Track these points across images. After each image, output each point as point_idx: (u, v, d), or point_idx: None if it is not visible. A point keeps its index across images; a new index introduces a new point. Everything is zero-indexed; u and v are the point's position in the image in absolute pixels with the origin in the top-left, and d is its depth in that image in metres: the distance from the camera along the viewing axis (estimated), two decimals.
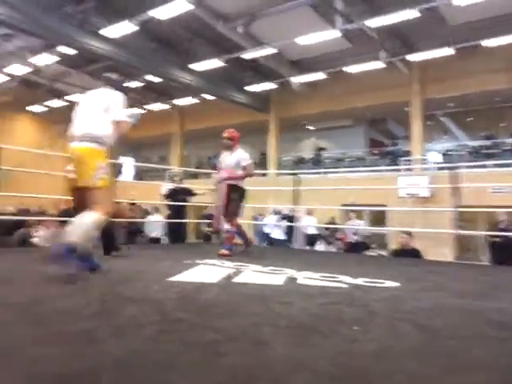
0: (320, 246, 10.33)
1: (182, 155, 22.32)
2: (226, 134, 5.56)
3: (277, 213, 10.85)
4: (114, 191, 3.42)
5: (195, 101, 18.77)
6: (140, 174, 24.24)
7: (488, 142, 15.87)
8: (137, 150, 26.39)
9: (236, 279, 3.38)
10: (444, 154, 16.69)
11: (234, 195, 5.37)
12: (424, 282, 3.76)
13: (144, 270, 3.77)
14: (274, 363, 1.51)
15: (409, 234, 6.78)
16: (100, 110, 3.35)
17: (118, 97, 3.49)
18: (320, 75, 14.76)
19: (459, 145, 18.09)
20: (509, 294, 3.22)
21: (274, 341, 1.76)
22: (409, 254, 6.60)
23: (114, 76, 3.84)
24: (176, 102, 19.33)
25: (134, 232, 10.24)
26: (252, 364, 1.49)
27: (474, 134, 18.19)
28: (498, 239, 6.53)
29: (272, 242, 10.42)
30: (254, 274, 3.72)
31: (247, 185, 5.61)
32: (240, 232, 5.64)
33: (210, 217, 9.38)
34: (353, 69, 13.84)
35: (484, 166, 13.44)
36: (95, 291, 2.71)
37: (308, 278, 3.59)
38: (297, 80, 15.69)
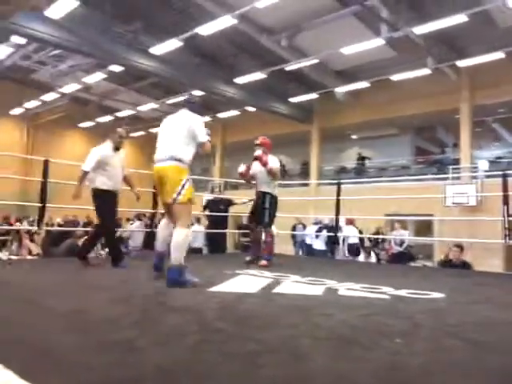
0: (361, 257, 10.13)
1: (224, 167, 22.58)
2: (257, 141, 5.51)
3: (317, 223, 10.74)
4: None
5: (237, 113, 18.99)
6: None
7: None
8: None
9: (275, 290, 3.37)
10: (493, 162, 16.01)
11: (267, 203, 5.31)
12: (472, 294, 3.61)
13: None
14: (314, 375, 1.49)
15: (460, 247, 6.48)
16: (183, 134, 3.56)
17: (199, 120, 3.68)
18: (364, 84, 14.58)
19: (510, 151, 17.31)
20: None
21: (314, 353, 1.74)
22: (458, 266, 6.35)
23: (192, 98, 4.12)
24: (219, 114, 19.64)
25: None
26: (291, 376, 1.48)
27: None
28: None
29: (313, 252, 10.31)
30: (293, 285, 3.69)
31: (290, 195, 5.60)
32: (265, 242, 5.44)
33: (247, 227, 9.44)
34: (398, 77, 13.60)
35: None
36: (138, 301, 2.77)
37: (349, 288, 3.53)
38: (341, 90, 15.58)
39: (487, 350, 1.89)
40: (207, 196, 8.22)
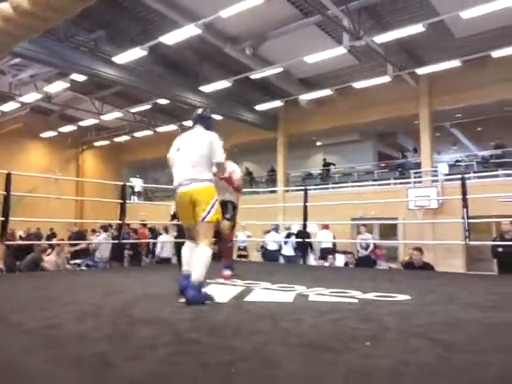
0: (337, 261, 10.28)
1: None
2: None
3: (286, 229, 10.84)
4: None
5: None
6: (148, 195, 24.45)
7: (497, 151, 15.78)
8: (145, 172, 26.66)
9: (247, 298, 3.39)
10: (452, 165, 16.61)
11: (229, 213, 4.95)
12: (436, 294, 3.73)
13: (155, 292, 3.79)
14: (287, 381, 1.52)
15: (419, 249, 6.68)
16: (204, 154, 3.47)
17: (216, 138, 3.58)
18: (327, 92, 14.86)
19: (468, 155, 18.01)
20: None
21: (286, 359, 1.77)
22: (420, 267, 6.56)
23: (206, 113, 3.86)
24: (185, 122, 19.54)
25: (138, 253, 10.32)
26: (264, 383, 1.50)
27: (484, 144, 18.10)
28: (501, 249, 6.48)
29: (275, 258, 10.38)
30: (264, 292, 3.72)
31: (258, 202, 5.58)
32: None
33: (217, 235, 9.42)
34: (360, 84, 13.93)
35: (494, 176, 13.35)
36: (108, 314, 2.73)
37: (318, 294, 3.59)
38: (305, 97, 15.82)
39: (454, 349, 1.96)
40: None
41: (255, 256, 11.82)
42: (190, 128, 3.78)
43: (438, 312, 2.86)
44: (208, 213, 3.33)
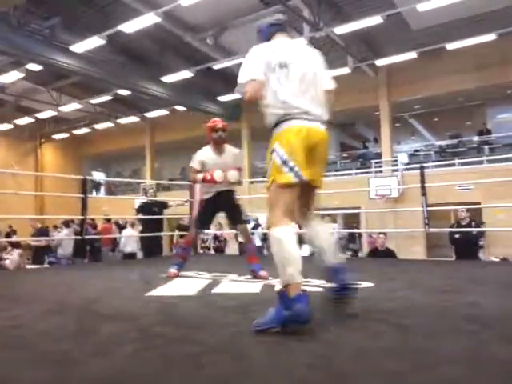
0: (303, 251, 10.39)
1: (154, 168, 22.17)
2: (220, 125, 4.35)
3: (254, 220, 10.89)
4: None
5: (166, 113, 18.69)
6: (111, 189, 23.98)
7: (454, 141, 16.36)
8: (107, 165, 26.10)
9: (214, 290, 3.39)
10: (411, 155, 17.10)
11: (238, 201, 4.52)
12: (398, 281, 3.86)
13: (120, 287, 3.74)
14: (254, 372, 1.54)
15: (384, 234, 7.06)
16: (322, 80, 2.46)
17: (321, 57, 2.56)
18: None
19: (426, 145, 18.58)
20: (478, 288, 3.34)
21: (254, 350, 1.80)
22: (383, 254, 6.77)
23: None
24: (147, 114, 19.21)
25: (98, 249, 10.14)
26: (232, 374, 1.52)
27: (441, 134, 18.71)
28: (458, 235, 6.80)
29: (245, 250, 10.41)
30: (231, 284, 3.74)
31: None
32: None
33: (186, 228, 9.37)
34: None
35: (450, 165, 13.85)
36: (72, 311, 2.68)
37: None
38: None
39: (416, 332, 2.04)
40: (140, 199, 8.02)
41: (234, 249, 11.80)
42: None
43: (400, 298, 2.96)
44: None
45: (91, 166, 25.37)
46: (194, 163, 4.39)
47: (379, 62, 13.55)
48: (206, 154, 4.39)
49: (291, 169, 2.20)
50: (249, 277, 4.11)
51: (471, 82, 13.84)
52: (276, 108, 2.33)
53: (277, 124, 2.33)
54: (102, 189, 24.02)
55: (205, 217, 4.45)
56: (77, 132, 21.47)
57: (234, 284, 3.75)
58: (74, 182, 13.71)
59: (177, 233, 10.23)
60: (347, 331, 2.09)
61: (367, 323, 2.24)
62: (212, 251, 10.13)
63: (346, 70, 13.67)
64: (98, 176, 25.35)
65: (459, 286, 3.45)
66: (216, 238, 10.52)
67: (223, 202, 4.37)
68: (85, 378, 1.50)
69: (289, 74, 2.30)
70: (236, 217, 4.40)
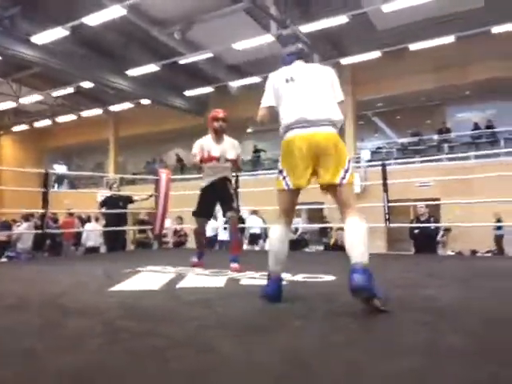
0: (267, 245, 10.48)
1: (118, 162, 21.77)
2: (221, 115, 4.51)
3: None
4: None
5: (130, 106, 18.38)
6: (73, 182, 23.39)
7: (415, 139, 16.84)
8: (69, 158, 25.44)
9: (179, 284, 3.40)
10: (374, 152, 17.50)
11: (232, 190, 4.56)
12: None
13: (83, 281, 3.69)
14: (222, 364, 1.57)
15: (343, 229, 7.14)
16: (329, 90, 2.71)
17: (334, 73, 2.86)
18: (256, 79, 14.97)
19: (388, 142, 19.04)
20: (435, 281, 3.49)
21: (219, 343, 1.82)
22: (344, 248, 6.93)
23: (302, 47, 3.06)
24: (111, 107, 18.81)
25: (59, 243, 9.93)
26: (198, 368, 1.54)
27: (403, 132, 19.22)
28: (417, 230, 7.05)
29: (214, 243, 10.42)
30: (196, 278, 3.76)
31: (189, 189, 5.50)
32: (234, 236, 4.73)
33: (145, 223, 9.30)
34: None
35: (411, 162, 14.27)
36: (34, 305, 2.64)
37: (250, 277, 3.69)
38: (234, 84, 15.84)
39: (372, 324, 2.14)
40: (103, 192, 7.89)
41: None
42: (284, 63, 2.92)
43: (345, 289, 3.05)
44: (346, 172, 2.55)
45: (52, 159, 24.67)
46: (195, 148, 4.53)
47: (344, 61, 13.78)
48: (205, 141, 4.53)
49: (284, 178, 2.63)
50: (214, 270, 4.14)
51: (431, 82, 14.30)
52: (281, 123, 2.70)
53: (282, 137, 2.70)
54: (65, 182, 23.39)
55: (203, 206, 4.50)
56: (38, 125, 20.82)
57: (198, 278, 3.77)
58: (34, 176, 13.32)
59: (136, 227, 10.11)
60: (312, 324, 2.15)
61: (331, 316, 2.31)
62: (171, 245, 10.02)
63: None
64: (60, 169, 24.67)
65: (417, 280, 3.60)
66: (176, 232, 10.43)
67: (219, 190, 4.43)
68: (51, 374, 1.49)
69: (294, 87, 2.67)
70: (227, 204, 4.44)
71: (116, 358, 1.65)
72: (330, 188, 2.60)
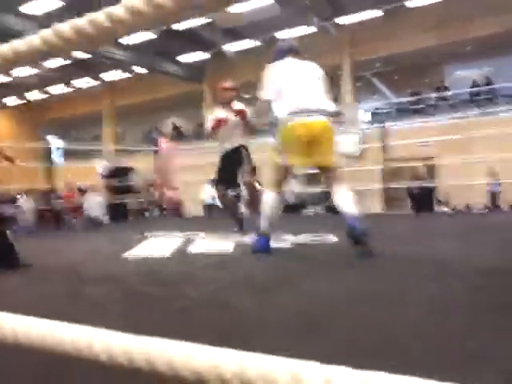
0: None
1: (115, 132, 21.61)
2: (228, 85, 4.64)
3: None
4: None
5: (126, 75, 18.12)
6: (71, 155, 23.27)
7: (413, 98, 16.69)
8: (65, 131, 25.20)
9: (189, 249, 3.51)
10: (373, 113, 17.37)
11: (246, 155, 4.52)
12: None
13: (97, 250, 3.80)
14: (240, 322, 1.66)
15: None
16: (321, 84, 3.12)
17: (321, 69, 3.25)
18: (253, 42, 14.75)
19: (387, 103, 18.86)
20: (437, 238, 3.61)
21: (237, 302, 1.92)
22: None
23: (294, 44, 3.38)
24: (105, 77, 18.54)
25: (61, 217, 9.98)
26: (221, 325, 1.63)
27: (401, 92, 19.01)
28: (416, 190, 7.14)
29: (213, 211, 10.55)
30: (205, 243, 3.86)
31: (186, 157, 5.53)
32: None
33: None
34: (284, 34, 14.00)
35: (411, 122, 14.20)
36: (56, 276, 2.74)
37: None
38: (230, 48, 15.59)
39: (378, 278, 2.25)
40: (104, 164, 7.92)
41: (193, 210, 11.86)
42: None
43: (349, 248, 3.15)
44: (335, 156, 3.08)
45: (48, 132, 24.47)
46: (208, 123, 4.53)
47: (342, 21, 13.53)
48: (216, 113, 4.55)
49: (282, 155, 2.98)
50: (220, 235, 4.23)
51: (431, 40, 14.06)
52: (280, 112, 3.02)
53: (279, 121, 3.02)
54: (62, 155, 23.26)
55: (225, 174, 4.46)
56: (32, 97, 20.56)
57: (207, 243, 3.87)
58: (27, 151, 13.28)
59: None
60: (321, 281, 2.26)
61: (338, 272, 2.42)
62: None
63: (309, 30, 13.60)
64: (55, 143, 24.50)
65: (420, 237, 3.72)
66: (170, 200, 10.42)
67: (237, 157, 4.42)
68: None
69: (293, 80, 3.03)
70: (242, 169, 4.41)
71: (149, 321, 1.71)
72: (323, 168, 3.07)
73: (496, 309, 1.64)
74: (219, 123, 4.38)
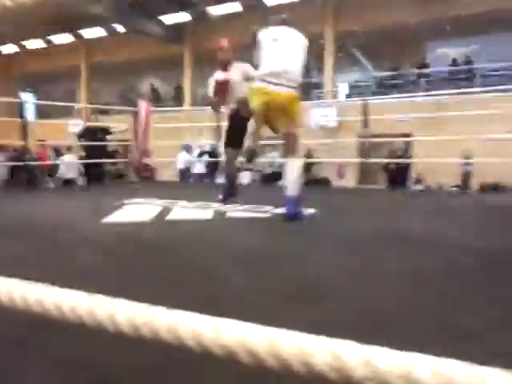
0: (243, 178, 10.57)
1: (90, 90, 20.98)
2: (221, 45, 4.38)
3: (200, 147, 10.88)
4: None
5: (103, 33, 17.48)
6: (44, 111, 22.54)
7: (392, 73, 16.72)
8: (37, 86, 24.29)
9: (168, 217, 3.52)
10: (352, 86, 17.35)
11: None
12: (339, 208, 4.19)
13: (74, 214, 3.78)
14: (230, 287, 1.73)
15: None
16: (300, 55, 3.31)
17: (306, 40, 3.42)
18: (236, 6, 14.42)
19: (368, 76, 18.85)
20: (408, 214, 3.75)
21: (224, 269, 1.98)
22: (319, 182, 7.21)
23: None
24: (82, 33, 17.84)
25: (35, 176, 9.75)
26: (209, 293, 1.67)
27: (383, 67, 19.00)
28: (393, 165, 7.28)
29: (191, 177, 10.52)
30: (183, 211, 3.88)
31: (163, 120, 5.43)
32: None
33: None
34: (268, 1, 13.71)
35: (389, 97, 14.28)
36: (33, 238, 2.72)
37: (235, 210, 3.83)
38: (213, 11, 15.19)
39: (357, 254, 2.34)
40: (77, 122, 7.71)
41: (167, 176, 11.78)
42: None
43: (343, 222, 3.27)
44: (298, 125, 3.45)
45: (18, 86, 23.52)
46: (209, 88, 4.40)
47: None
48: (215, 75, 4.42)
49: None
50: (198, 203, 4.24)
51: (416, 15, 14.02)
52: (259, 72, 3.29)
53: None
54: (32, 112, 22.47)
55: (232, 134, 4.27)
56: (3, 50, 19.65)
57: (186, 210, 3.89)
58: (2, 105, 12.78)
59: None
60: (309, 258, 2.34)
61: (324, 246, 2.51)
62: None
63: None
64: (27, 97, 23.59)
65: (393, 213, 3.85)
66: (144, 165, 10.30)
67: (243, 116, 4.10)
68: None
69: (277, 46, 3.20)
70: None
71: (137, 287, 1.71)
72: (285, 134, 3.34)
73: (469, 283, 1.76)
74: (221, 87, 4.23)
